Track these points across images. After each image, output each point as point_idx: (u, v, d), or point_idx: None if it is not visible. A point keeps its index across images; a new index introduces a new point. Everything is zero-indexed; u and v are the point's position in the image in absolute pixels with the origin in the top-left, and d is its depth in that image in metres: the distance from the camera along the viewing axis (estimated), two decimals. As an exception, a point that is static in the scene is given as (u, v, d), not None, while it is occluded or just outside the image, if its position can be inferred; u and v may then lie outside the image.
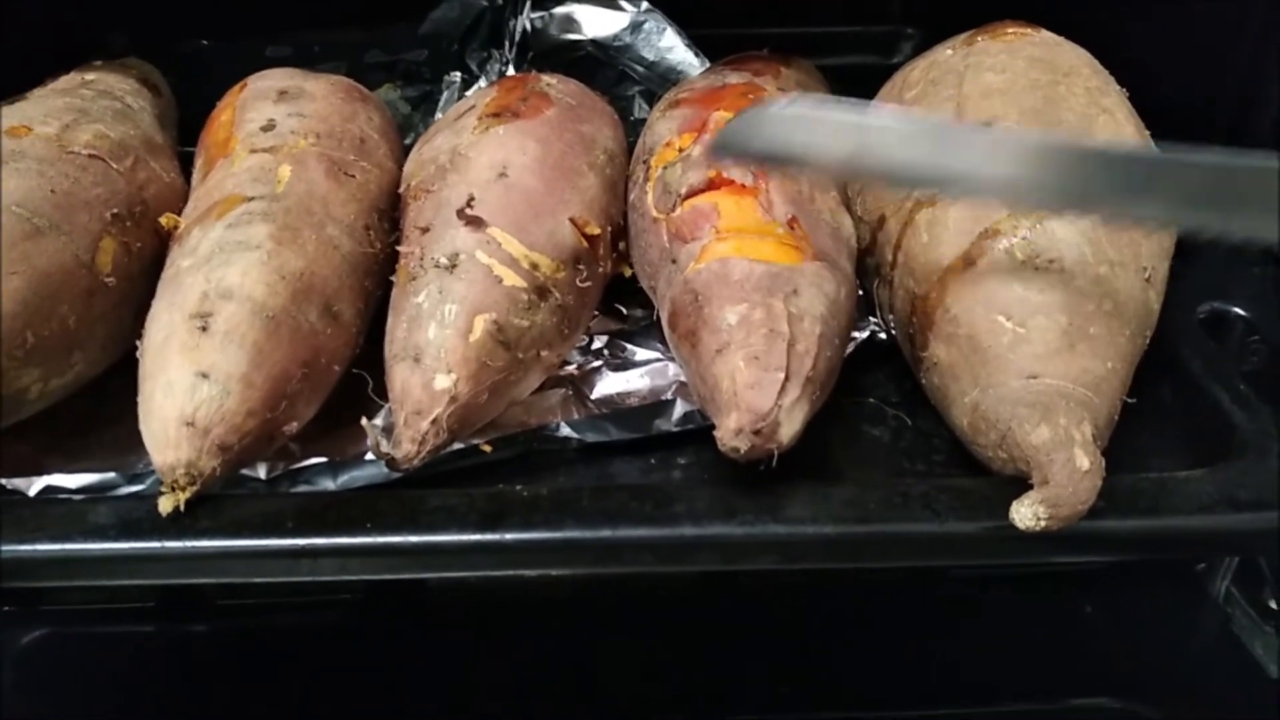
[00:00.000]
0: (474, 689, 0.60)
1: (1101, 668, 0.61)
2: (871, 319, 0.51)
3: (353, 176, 0.49)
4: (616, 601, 0.64)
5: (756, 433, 0.39)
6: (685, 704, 0.61)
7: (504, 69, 0.73)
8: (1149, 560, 0.64)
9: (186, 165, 0.55)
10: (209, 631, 0.64)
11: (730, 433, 0.39)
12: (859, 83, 0.60)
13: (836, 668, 0.62)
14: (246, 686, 0.61)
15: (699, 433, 0.46)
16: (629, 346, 0.51)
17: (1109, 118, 0.48)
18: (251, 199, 0.46)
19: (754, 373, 0.40)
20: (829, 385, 0.43)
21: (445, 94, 0.74)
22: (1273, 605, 0.62)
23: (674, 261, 0.46)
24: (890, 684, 0.62)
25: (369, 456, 0.44)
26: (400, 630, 0.63)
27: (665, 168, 0.50)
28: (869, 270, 0.50)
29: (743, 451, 0.39)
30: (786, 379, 0.40)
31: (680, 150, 0.51)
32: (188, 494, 0.38)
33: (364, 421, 0.41)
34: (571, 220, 0.47)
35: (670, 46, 0.72)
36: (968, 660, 0.62)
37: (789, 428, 0.39)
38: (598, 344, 0.52)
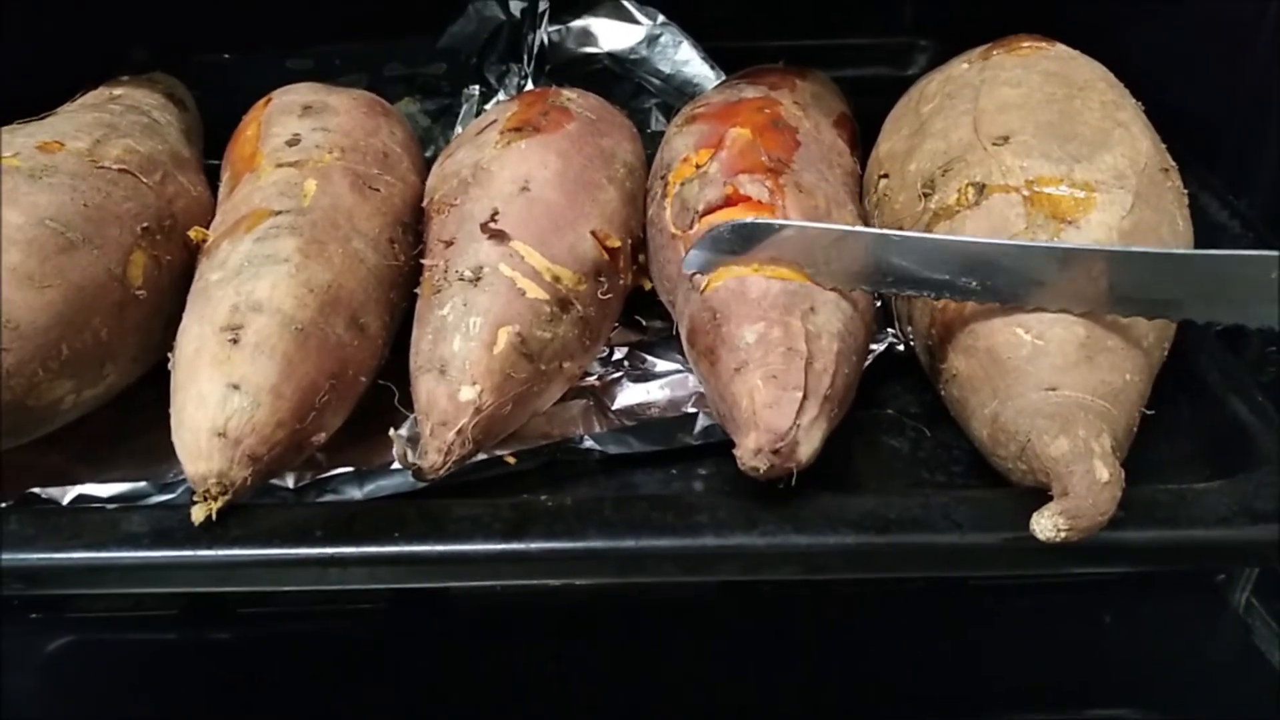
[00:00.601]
0: (496, 697, 0.61)
1: (1121, 678, 0.61)
2: (890, 330, 0.52)
3: (377, 190, 0.50)
4: (638, 612, 0.64)
5: (775, 452, 0.39)
6: (705, 713, 0.61)
7: (522, 82, 0.74)
8: (1169, 571, 0.64)
9: (211, 178, 0.55)
10: (232, 639, 0.64)
11: (749, 452, 0.39)
12: (873, 94, 0.61)
13: (854, 676, 0.62)
14: (269, 694, 0.62)
15: (720, 444, 0.47)
16: (649, 358, 0.52)
17: (1124, 131, 0.48)
18: (278, 213, 0.46)
19: (772, 392, 0.40)
20: (847, 402, 0.43)
21: (464, 107, 0.75)
22: (1294, 615, 0.62)
23: (692, 278, 0.47)
24: (907, 693, 0.62)
25: (395, 466, 0.44)
26: (422, 639, 0.64)
27: (683, 184, 0.51)
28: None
29: (762, 471, 0.39)
30: (805, 398, 0.40)
31: (697, 166, 0.51)
32: (219, 503, 0.39)
33: (391, 432, 0.42)
34: (593, 233, 0.48)
35: (686, 59, 0.73)
36: (986, 670, 0.62)
37: (808, 446, 0.40)
38: (618, 355, 0.52)
